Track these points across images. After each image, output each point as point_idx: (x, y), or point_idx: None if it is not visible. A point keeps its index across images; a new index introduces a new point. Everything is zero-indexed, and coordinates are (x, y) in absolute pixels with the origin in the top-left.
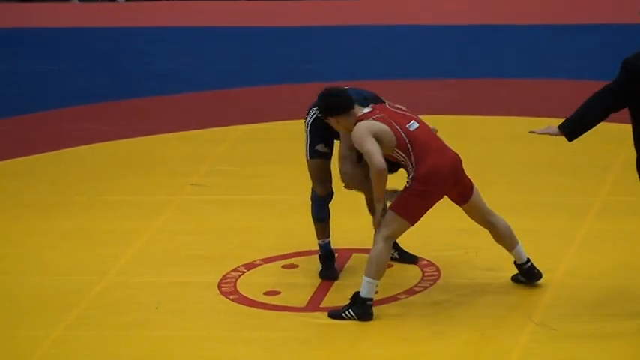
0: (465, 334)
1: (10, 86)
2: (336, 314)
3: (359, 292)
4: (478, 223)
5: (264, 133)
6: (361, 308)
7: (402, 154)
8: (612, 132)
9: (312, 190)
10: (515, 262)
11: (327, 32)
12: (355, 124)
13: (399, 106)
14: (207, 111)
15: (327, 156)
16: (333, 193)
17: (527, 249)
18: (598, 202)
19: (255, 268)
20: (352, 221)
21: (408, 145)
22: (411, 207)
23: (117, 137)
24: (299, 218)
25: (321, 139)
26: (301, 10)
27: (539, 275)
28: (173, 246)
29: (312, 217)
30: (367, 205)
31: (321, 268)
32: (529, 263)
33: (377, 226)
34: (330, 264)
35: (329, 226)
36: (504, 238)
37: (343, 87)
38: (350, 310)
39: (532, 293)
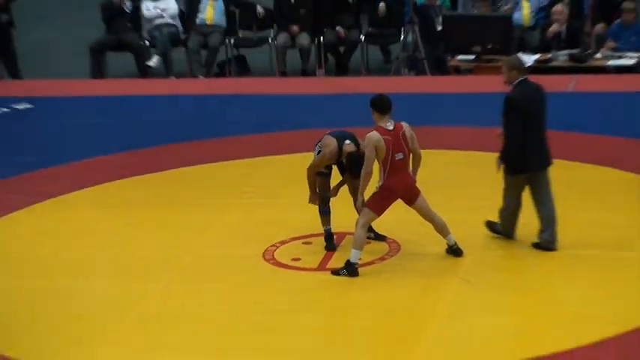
0: (414, 286)
1: (159, 132)
2: (335, 272)
3: (349, 259)
4: (423, 218)
5: (287, 162)
6: (351, 269)
7: (381, 167)
8: None
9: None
10: (447, 244)
11: (325, 99)
12: (376, 127)
13: (407, 134)
14: (255, 146)
15: (327, 175)
16: (329, 197)
17: (459, 234)
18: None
19: (286, 244)
20: (346, 214)
21: (388, 165)
22: (378, 205)
23: (201, 162)
24: (312, 213)
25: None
26: (304, 84)
27: (461, 252)
28: (234, 231)
29: (319, 211)
30: (350, 193)
31: (325, 244)
32: (456, 245)
33: (359, 209)
34: (330, 241)
35: (329, 218)
36: (440, 228)
37: (388, 98)
38: (344, 270)
39: (458, 260)
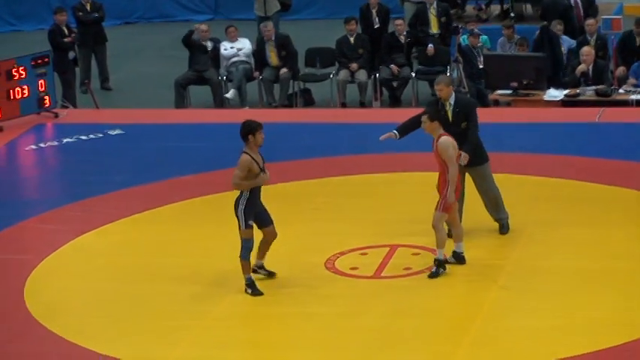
0: (458, 292)
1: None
2: (433, 275)
3: (437, 257)
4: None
5: (345, 183)
6: (442, 265)
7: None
8: None
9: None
10: (454, 250)
11: (380, 128)
12: (440, 135)
13: None
14: (317, 168)
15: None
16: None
17: (497, 246)
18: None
19: (344, 255)
20: (398, 224)
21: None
22: (449, 206)
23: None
24: (368, 228)
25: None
26: (362, 114)
27: (464, 260)
28: (300, 242)
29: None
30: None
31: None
32: (462, 253)
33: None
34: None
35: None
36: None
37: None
38: (439, 269)
39: (498, 269)
